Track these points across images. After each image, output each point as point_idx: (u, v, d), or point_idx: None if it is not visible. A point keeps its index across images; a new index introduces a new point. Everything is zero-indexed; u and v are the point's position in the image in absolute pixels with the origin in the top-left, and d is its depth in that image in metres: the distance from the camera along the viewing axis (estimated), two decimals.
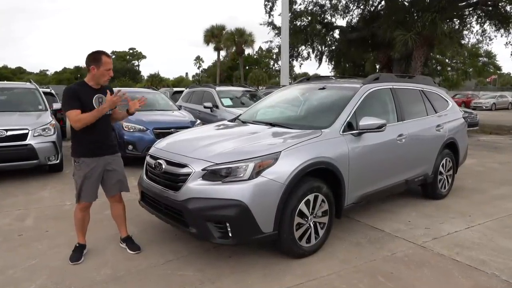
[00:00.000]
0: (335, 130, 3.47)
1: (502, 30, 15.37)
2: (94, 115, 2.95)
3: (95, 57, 2.98)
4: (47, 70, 73.63)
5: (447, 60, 25.79)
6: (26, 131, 5.62)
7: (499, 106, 29.92)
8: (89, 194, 3.09)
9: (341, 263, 3.10)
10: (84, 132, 3.01)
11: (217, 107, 8.53)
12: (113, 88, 3.35)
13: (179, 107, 8.56)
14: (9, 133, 5.48)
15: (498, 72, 39.73)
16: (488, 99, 30.17)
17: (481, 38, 16.81)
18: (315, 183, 3.16)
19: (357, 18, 17.37)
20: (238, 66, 45.88)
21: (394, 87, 4.40)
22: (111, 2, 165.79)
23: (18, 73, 61.70)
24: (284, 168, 2.93)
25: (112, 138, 3.25)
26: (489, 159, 8.07)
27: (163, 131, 6.42)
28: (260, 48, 52.73)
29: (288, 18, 14.11)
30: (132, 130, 6.65)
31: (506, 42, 15.85)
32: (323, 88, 4.38)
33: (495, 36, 16.98)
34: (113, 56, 65.08)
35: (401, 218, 4.20)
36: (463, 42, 17.91)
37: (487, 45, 19.09)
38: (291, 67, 18.12)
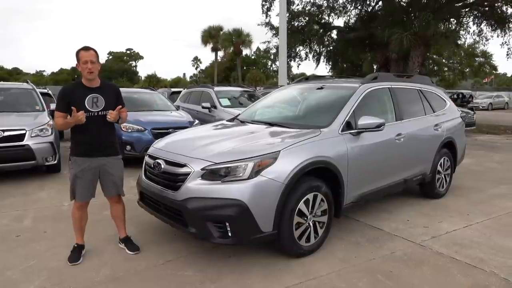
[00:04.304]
0: (334, 129, 3.47)
1: (498, 31, 15.45)
2: (63, 125, 2.99)
3: (76, 55, 2.99)
4: (43, 71, 73.17)
5: (444, 60, 25.91)
6: (23, 132, 5.60)
7: (496, 106, 30.12)
8: (82, 193, 3.06)
9: (341, 262, 3.10)
10: (78, 132, 3.00)
11: (215, 107, 8.52)
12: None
13: (177, 108, 8.55)
14: (6, 133, 5.46)
15: (494, 72, 39.93)
16: (485, 99, 30.34)
17: (477, 39, 16.90)
18: (314, 182, 3.16)
19: (355, 18, 17.42)
20: (235, 66, 45.85)
21: (392, 86, 4.41)
22: (108, 3, 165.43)
23: (15, 74, 61.25)
24: (284, 168, 2.93)
25: (111, 139, 3.16)
26: (487, 159, 8.10)
27: (161, 131, 6.40)
28: (258, 48, 52.80)
29: (286, 19, 14.11)
30: (130, 130, 6.64)
31: (502, 42, 15.92)
32: (322, 88, 4.39)
33: (491, 37, 17.06)
34: (110, 57, 64.78)
35: (400, 217, 4.21)
36: (459, 42, 17.99)
37: (484, 45, 19.11)
38: (289, 67, 18.17)
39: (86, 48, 2.98)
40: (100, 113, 3.02)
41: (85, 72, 2.95)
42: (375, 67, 19.81)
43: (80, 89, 2.99)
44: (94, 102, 3.00)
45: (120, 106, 3.08)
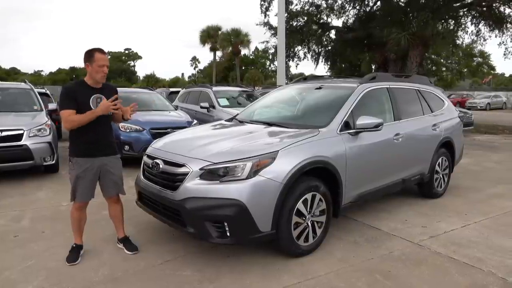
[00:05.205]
0: (332, 129, 3.48)
1: (496, 31, 15.50)
2: (86, 118, 2.90)
3: (88, 54, 2.95)
4: (41, 70, 72.85)
5: (442, 60, 25.96)
6: (21, 132, 5.58)
7: (494, 106, 30.19)
8: (83, 193, 3.05)
9: (339, 262, 3.11)
10: (80, 132, 2.98)
11: (213, 107, 8.53)
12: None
13: (176, 107, 8.54)
14: (4, 133, 5.44)
15: (492, 72, 40.05)
16: (483, 99, 30.42)
17: (475, 39, 16.96)
18: (313, 182, 3.16)
19: (353, 19, 17.45)
20: (234, 66, 45.80)
21: (390, 86, 4.41)
22: (107, 3, 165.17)
23: (13, 74, 60.97)
24: (282, 167, 2.93)
25: (110, 139, 3.18)
26: (485, 158, 8.12)
27: (159, 131, 6.40)
28: (256, 48, 52.79)
29: (284, 19, 14.13)
30: (128, 130, 6.63)
31: (500, 42, 15.99)
32: (320, 88, 4.39)
33: (489, 37, 17.12)
34: (109, 57, 64.30)
35: (398, 217, 4.22)
36: (457, 42, 18.04)
37: (482, 46, 19.18)
38: (287, 67, 18.16)
39: (103, 51, 2.98)
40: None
41: (99, 75, 2.95)
42: (373, 67, 19.84)
43: (84, 89, 2.99)
44: (98, 102, 3.00)
45: (136, 104, 3.29)
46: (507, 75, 69.31)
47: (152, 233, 3.69)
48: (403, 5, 15.32)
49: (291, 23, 16.59)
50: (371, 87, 4.10)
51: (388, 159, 4.08)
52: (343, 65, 20.96)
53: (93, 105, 2.98)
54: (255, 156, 2.89)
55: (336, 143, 3.42)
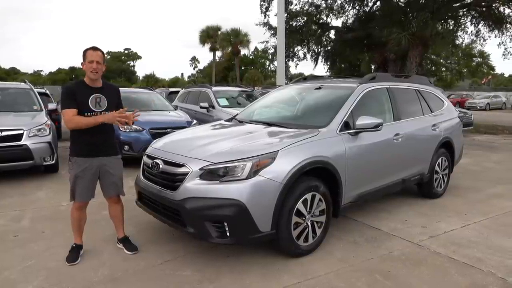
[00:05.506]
0: (332, 129, 3.48)
1: (496, 31, 15.52)
2: (88, 122, 2.91)
3: (83, 53, 2.98)
4: (41, 70, 72.78)
5: (441, 61, 25.98)
6: (21, 132, 5.58)
7: (493, 106, 30.20)
8: (82, 193, 3.05)
9: (339, 262, 3.11)
10: (81, 132, 2.98)
11: (213, 107, 8.53)
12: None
13: (175, 107, 8.54)
14: (4, 133, 5.44)
15: (492, 72, 40.07)
16: (482, 99, 30.44)
17: (475, 39, 16.97)
18: (313, 182, 3.16)
19: (353, 19, 17.46)
20: (234, 66, 45.82)
21: (390, 86, 4.42)
22: (107, 3, 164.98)
23: (12, 74, 60.86)
24: (282, 167, 2.93)
25: (111, 139, 3.18)
26: (484, 158, 8.13)
27: (159, 131, 6.40)
28: (256, 48, 52.83)
29: (284, 19, 14.15)
30: (128, 130, 6.62)
31: (499, 43, 16.01)
32: (320, 88, 4.39)
33: (489, 37, 17.12)
34: (108, 57, 64.60)
35: (398, 217, 4.22)
36: (457, 42, 18.06)
37: (481, 46, 19.21)
38: (287, 67, 18.17)
39: (95, 48, 2.98)
40: (103, 113, 3.02)
41: (88, 71, 2.95)
42: (373, 67, 19.85)
43: (83, 89, 2.99)
44: (97, 102, 3.00)
45: (139, 113, 3.20)
46: (506, 75, 69.40)
47: (152, 233, 3.69)
48: (402, 5, 15.33)
49: (290, 23, 16.59)
50: (371, 87, 4.10)
51: (388, 159, 4.08)
52: (343, 65, 20.97)
53: (92, 105, 2.98)
54: (255, 156, 2.90)
55: (336, 143, 3.42)
